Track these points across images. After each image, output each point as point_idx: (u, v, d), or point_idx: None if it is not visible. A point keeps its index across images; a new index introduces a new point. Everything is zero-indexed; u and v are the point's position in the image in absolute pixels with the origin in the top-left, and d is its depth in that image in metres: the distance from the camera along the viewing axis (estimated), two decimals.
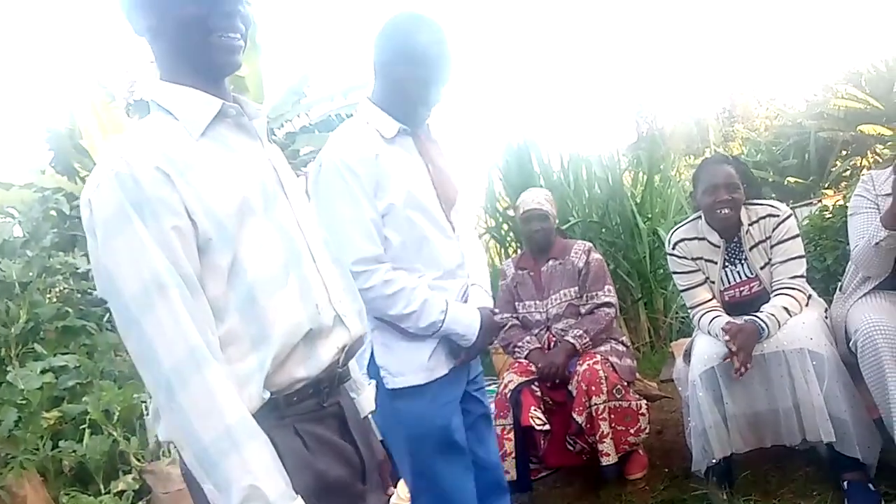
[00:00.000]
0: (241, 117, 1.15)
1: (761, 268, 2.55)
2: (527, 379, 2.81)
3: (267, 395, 1.05)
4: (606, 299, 2.96)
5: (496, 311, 1.90)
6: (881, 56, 19.69)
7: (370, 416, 1.36)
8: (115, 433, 3.17)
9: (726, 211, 2.49)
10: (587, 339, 2.84)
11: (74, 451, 3.12)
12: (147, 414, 3.14)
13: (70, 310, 3.93)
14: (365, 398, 1.35)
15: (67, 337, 3.85)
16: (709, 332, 2.50)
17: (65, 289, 4.39)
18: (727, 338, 2.32)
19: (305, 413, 1.11)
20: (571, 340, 2.84)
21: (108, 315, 3.89)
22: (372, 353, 1.77)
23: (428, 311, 1.71)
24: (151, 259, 0.96)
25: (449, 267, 1.80)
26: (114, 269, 0.97)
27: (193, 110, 1.09)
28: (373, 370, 1.76)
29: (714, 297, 2.61)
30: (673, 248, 2.69)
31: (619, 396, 2.71)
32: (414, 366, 1.74)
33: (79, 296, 4.39)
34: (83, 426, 3.21)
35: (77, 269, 4.18)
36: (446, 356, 1.78)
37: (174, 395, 0.95)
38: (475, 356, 1.89)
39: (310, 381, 1.11)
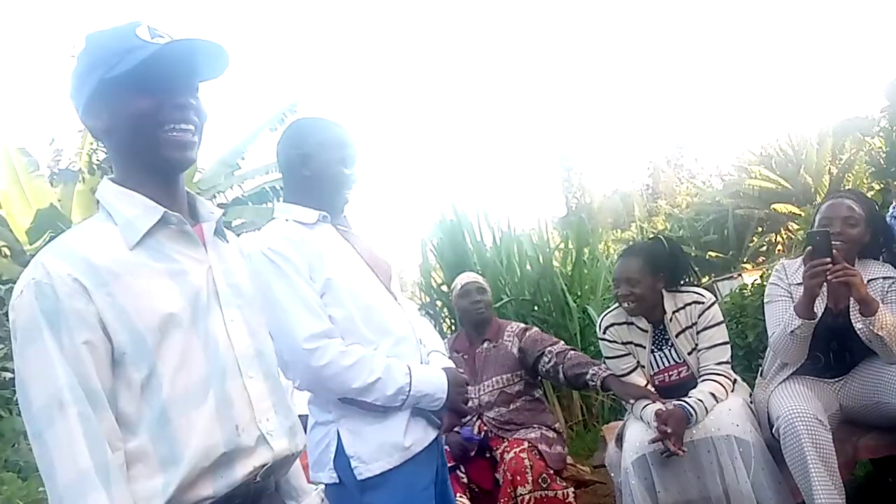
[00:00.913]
0: (184, 225, 1.13)
1: (689, 353, 2.61)
2: (451, 465, 2.76)
3: None
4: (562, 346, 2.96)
5: (461, 370, 1.86)
6: (787, 139, 21.19)
7: None
8: None
9: (626, 305, 2.61)
10: (595, 369, 2.77)
11: None
12: None
13: None
14: None
15: None
16: (641, 418, 2.53)
17: None
18: (657, 423, 2.35)
19: None
20: (593, 380, 2.76)
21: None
22: (339, 446, 1.65)
23: (393, 375, 1.64)
24: (56, 375, 0.96)
25: (400, 334, 1.75)
26: (25, 379, 0.99)
27: (132, 217, 1.08)
28: (341, 463, 1.64)
29: (647, 382, 2.66)
30: (604, 333, 2.74)
31: (544, 486, 2.67)
32: (388, 446, 1.64)
33: None
34: None
35: None
36: (424, 428, 1.71)
37: None
38: (457, 417, 1.83)
39: (217, 498, 1.06)
